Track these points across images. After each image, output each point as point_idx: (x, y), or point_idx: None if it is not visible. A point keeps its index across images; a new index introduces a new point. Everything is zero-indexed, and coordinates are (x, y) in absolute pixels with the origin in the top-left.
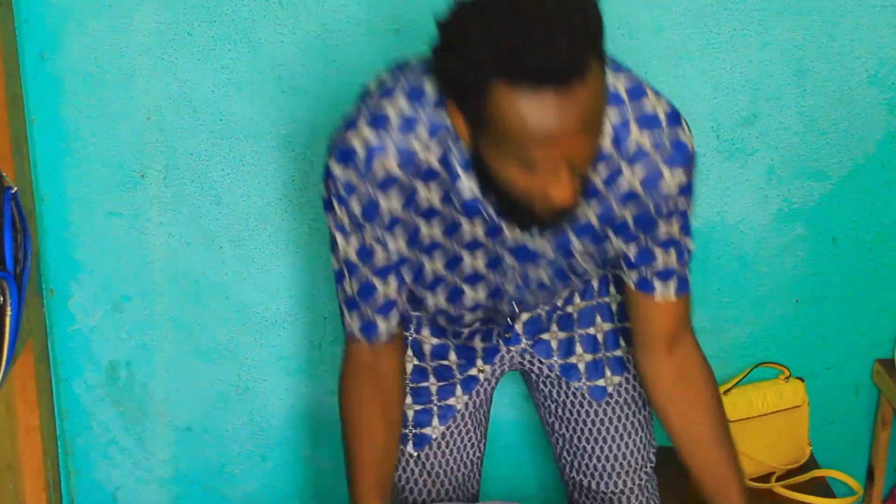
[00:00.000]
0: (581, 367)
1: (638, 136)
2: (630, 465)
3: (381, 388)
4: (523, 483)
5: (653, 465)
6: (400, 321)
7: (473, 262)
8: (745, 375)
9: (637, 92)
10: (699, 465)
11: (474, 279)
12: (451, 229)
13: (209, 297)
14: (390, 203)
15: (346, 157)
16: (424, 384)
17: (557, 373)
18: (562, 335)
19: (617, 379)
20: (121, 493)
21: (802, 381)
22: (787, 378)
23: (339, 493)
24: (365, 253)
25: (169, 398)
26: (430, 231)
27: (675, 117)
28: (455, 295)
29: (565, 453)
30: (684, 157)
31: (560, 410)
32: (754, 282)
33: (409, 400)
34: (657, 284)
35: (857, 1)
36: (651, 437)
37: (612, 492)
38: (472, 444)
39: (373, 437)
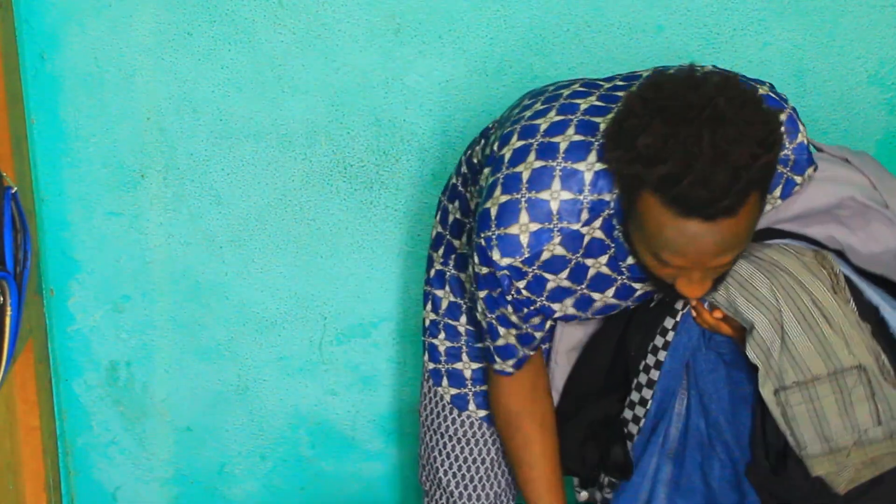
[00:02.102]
0: None
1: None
2: None
3: (534, 398)
4: None
5: None
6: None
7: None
8: None
9: None
10: None
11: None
12: (624, 292)
13: (209, 297)
14: (559, 280)
15: (512, 249)
16: (480, 344)
17: None
18: None
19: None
20: (121, 493)
21: None
22: None
23: (339, 493)
24: (528, 318)
25: (169, 398)
26: (604, 298)
27: (791, 124)
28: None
29: None
30: (795, 126)
31: None
32: None
33: (465, 358)
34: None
35: (857, 1)
36: None
37: None
38: None
39: (533, 444)
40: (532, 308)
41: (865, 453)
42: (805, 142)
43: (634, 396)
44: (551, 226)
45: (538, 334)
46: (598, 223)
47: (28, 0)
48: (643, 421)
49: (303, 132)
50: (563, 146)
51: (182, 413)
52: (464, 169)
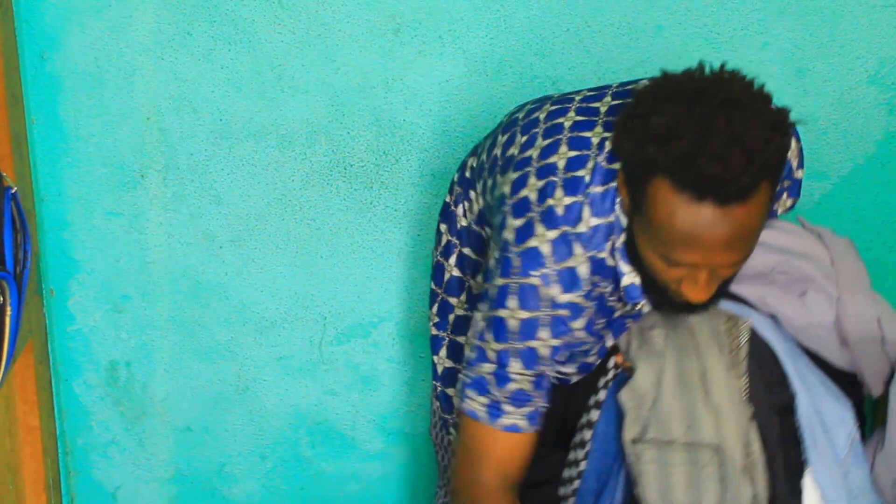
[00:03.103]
0: None
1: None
2: None
3: (510, 477)
4: None
5: None
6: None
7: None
8: None
9: None
10: None
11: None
12: (602, 312)
13: (209, 297)
14: (585, 316)
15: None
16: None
17: None
18: None
19: None
20: (121, 493)
21: None
22: None
23: (339, 493)
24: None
25: (169, 398)
26: (599, 323)
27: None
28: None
29: None
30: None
31: None
32: None
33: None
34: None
35: (857, 1)
36: None
37: None
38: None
39: None
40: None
41: None
42: (790, 157)
43: (571, 456)
44: (578, 252)
45: (549, 373)
46: (608, 245)
47: (28, 0)
48: (577, 482)
49: (303, 132)
50: (587, 178)
51: (182, 413)
52: (457, 189)
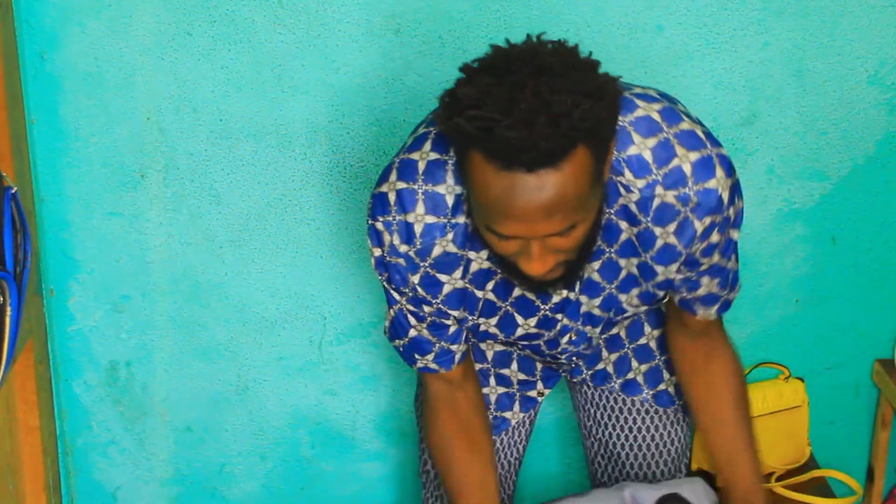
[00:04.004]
0: (640, 379)
1: (663, 196)
2: (663, 474)
3: (462, 419)
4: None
5: (682, 473)
6: (469, 349)
7: (525, 322)
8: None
9: (665, 150)
10: (715, 443)
11: (528, 338)
12: (503, 288)
13: (209, 297)
14: (448, 279)
15: (407, 237)
16: (486, 390)
17: (619, 392)
18: (614, 356)
19: (644, 367)
20: (121, 493)
21: (802, 381)
22: (787, 378)
23: (339, 493)
24: (433, 311)
25: (169, 398)
26: (485, 294)
27: (703, 167)
28: (507, 350)
29: (599, 457)
30: (711, 203)
31: (598, 414)
32: (754, 282)
33: None
34: (699, 308)
35: (857, 1)
36: (687, 446)
37: None
38: (517, 451)
39: (465, 469)
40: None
41: None
42: (718, 190)
43: None
44: (444, 220)
45: (450, 323)
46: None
47: (28, 0)
48: None
49: (303, 132)
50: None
51: (182, 413)
52: None
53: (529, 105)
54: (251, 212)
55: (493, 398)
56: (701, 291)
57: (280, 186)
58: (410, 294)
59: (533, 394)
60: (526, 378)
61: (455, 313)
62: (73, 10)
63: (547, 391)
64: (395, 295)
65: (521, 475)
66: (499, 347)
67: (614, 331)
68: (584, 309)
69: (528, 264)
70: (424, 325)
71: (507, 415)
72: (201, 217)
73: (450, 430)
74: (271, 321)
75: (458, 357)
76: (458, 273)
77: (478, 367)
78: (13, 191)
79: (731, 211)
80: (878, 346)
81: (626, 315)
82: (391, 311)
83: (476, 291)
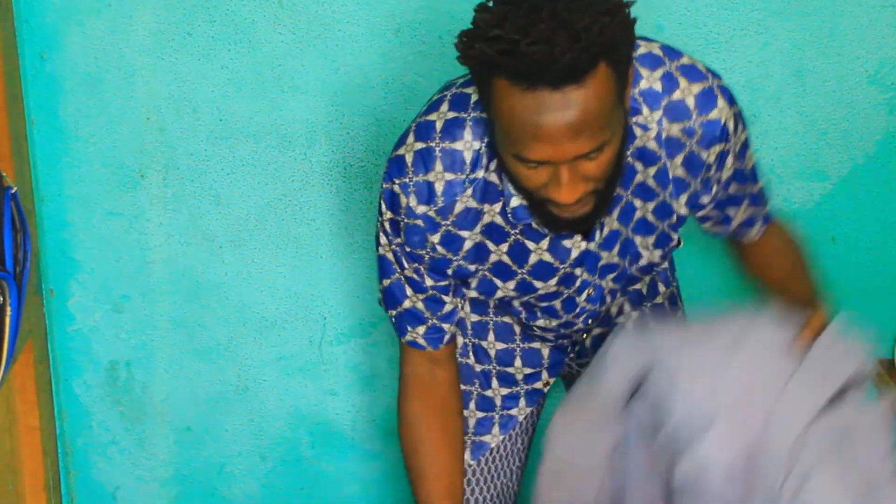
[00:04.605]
0: None
1: (668, 130)
2: None
3: (439, 399)
4: None
5: None
6: (457, 332)
7: (546, 284)
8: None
9: (669, 82)
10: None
11: (547, 298)
12: (519, 254)
13: (209, 297)
14: (469, 234)
15: (427, 196)
16: (489, 392)
17: None
18: (635, 314)
19: None
20: (121, 493)
21: None
22: None
23: (339, 493)
24: (434, 273)
25: (169, 398)
26: (499, 253)
27: (705, 98)
28: (529, 309)
29: None
30: (715, 133)
31: None
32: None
33: (472, 406)
34: (745, 231)
35: (857, 1)
36: None
37: None
38: (522, 453)
39: (434, 449)
40: (434, 260)
41: None
42: (722, 119)
43: None
44: (464, 176)
45: (447, 299)
46: (493, 165)
47: (28, 0)
48: None
49: (303, 132)
50: (473, 98)
51: (182, 413)
52: None
53: (548, 24)
54: (251, 212)
55: (498, 399)
56: (737, 219)
57: (280, 186)
58: (427, 256)
59: (539, 385)
60: (532, 370)
61: (473, 267)
62: (73, 10)
63: (552, 380)
64: (404, 261)
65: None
66: (500, 346)
67: (630, 288)
68: (602, 262)
69: (558, 192)
70: (421, 298)
71: (514, 411)
72: (201, 217)
73: (423, 409)
74: (271, 321)
75: (447, 338)
76: (478, 228)
77: (480, 368)
78: (13, 191)
79: (741, 137)
80: (878, 346)
81: (640, 264)
82: (388, 280)
83: (488, 243)
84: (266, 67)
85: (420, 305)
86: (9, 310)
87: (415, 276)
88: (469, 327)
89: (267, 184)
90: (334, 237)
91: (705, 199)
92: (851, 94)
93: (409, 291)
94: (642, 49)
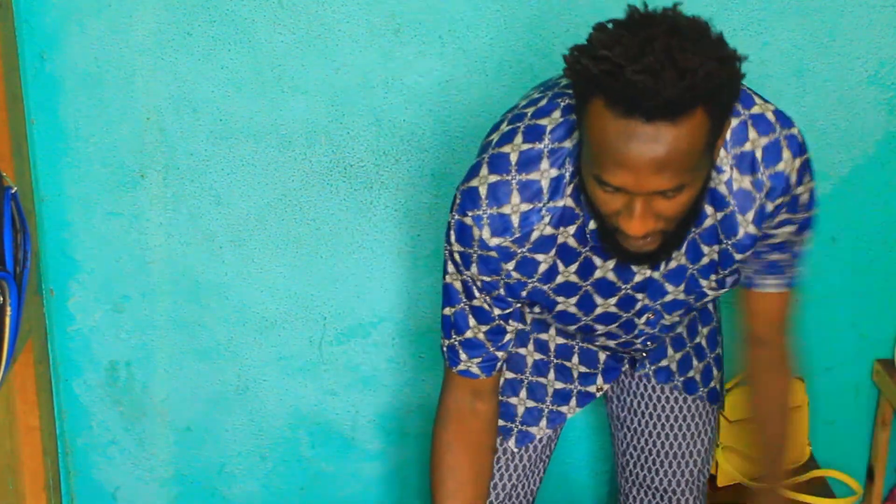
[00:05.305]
0: (697, 377)
1: (741, 182)
2: (695, 464)
3: (475, 433)
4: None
5: (709, 466)
6: (507, 353)
7: (605, 301)
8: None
9: (740, 132)
10: (757, 440)
11: (606, 319)
12: (585, 269)
13: (209, 297)
14: (544, 257)
15: (503, 228)
16: (543, 380)
17: (681, 390)
18: (678, 356)
19: (701, 365)
20: (121, 493)
21: (802, 381)
22: None
23: (339, 493)
24: (502, 302)
25: (169, 398)
26: (567, 273)
27: (771, 151)
28: (587, 330)
29: (632, 448)
30: (780, 185)
31: (636, 403)
32: None
33: (522, 394)
34: (762, 280)
35: (857, 1)
36: (715, 437)
37: (673, 489)
38: (551, 448)
39: (461, 482)
40: (502, 290)
41: None
42: (786, 171)
43: None
44: (541, 205)
45: (509, 328)
46: (570, 190)
47: (28, 0)
48: None
49: (303, 132)
50: (549, 128)
51: (182, 413)
52: None
53: (658, 57)
54: (251, 212)
55: (550, 391)
56: (768, 258)
57: (280, 186)
58: (502, 282)
59: (592, 389)
60: (587, 370)
61: (545, 287)
62: (73, 10)
63: (605, 387)
64: (475, 291)
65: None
66: (560, 340)
67: (686, 320)
68: (669, 297)
69: (628, 223)
70: (484, 329)
71: (564, 409)
72: (201, 217)
73: (457, 442)
74: (271, 321)
75: (499, 365)
76: (552, 251)
77: (538, 357)
78: (13, 191)
79: (801, 189)
80: (878, 346)
81: (706, 299)
82: (452, 309)
83: (559, 264)
84: (266, 67)
85: (481, 336)
86: (9, 310)
87: (484, 306)
88: (528, 323)
89: (267, 184)
90: (334, 237)
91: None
92: (851, 94)
93: (472, 322)
94: (756, 109)
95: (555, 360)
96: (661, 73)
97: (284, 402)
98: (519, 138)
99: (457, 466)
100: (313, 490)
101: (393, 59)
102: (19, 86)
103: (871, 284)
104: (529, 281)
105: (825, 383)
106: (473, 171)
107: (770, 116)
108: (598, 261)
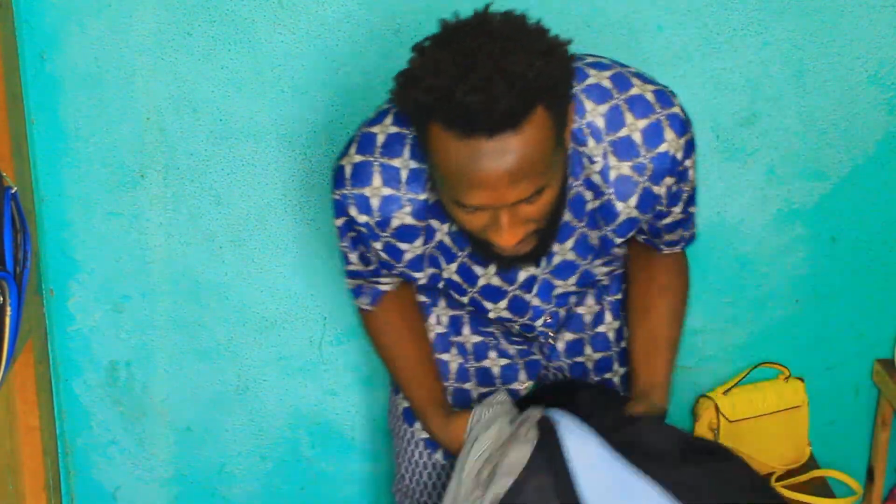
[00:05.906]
0: (589, 365)
1: (619, 168)
2: None
3: (402, 306)
4: None
5: None
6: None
7: (495, 306)
8: (745, 375)
9: (615, 116)
10: (637, 335)
11: (501, 321)
12: (468, 275)
13: (209, 297)
14: (409, 247)
15: (366, 208)
16: (467, 386)
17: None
18: (597, 355)
19: (623, 370)
20: (121, 493)
21: (802, 381)
22: (787, 378)
23: (339, 494)
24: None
25: (169, 398)
26: (450, 272)
27: (652, 133)
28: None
29: None
30: (665, 165)
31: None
32: (754, 282)
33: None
34: (663, 248)
35: (857, 1)
36: None
37: None
38: None
39: (407, 350)
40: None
41: None
42: (670, 152)
43: None
44: (400, 193)
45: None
46: (431, 184)
47: (28, 0)
48: None
49: (303, 132)
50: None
51: (182, 413)
52: None
53: (485, 69)
54: (251, 212)
55: (475, 395)
56: (665, 238)
57: (280, 186)
58: (374, 257)
59: (515, 385)
60: (507, 363)
61: (419, 274)
62: (73, 10)
63: (529, 383)
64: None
65: None
66: (475, 339)
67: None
68: (558, 291)
69: (498, 236)
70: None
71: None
72: (201, 217)
73: (394, 317)
74: (271, 321)
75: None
76: (419, 242)
77: (460, 363)
78: (13, 191)
79: (688, 163)
80: (878, 346)
81: (597, 279)
82: (350, 252)
83: (441, 259)
84: (266, 67)
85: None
86: (9, 310)
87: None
88: (445, 325)
89: (267, 184)
90: (334, 237)
91: (645, 227)
92: (851, 94)
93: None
94: (591, 79)
95: (475, 364)
96: (491, 86)
97: (284, 403)
98: (389, 119)
99: (408, 339)
100: (313, 490)
101: (393, 59)
102: (19, 86)
103: (871, 284)
104: (397, 265)
105: (825, 383)
106: (345, 149)
107: (649, 97)
108: (478, 269)
